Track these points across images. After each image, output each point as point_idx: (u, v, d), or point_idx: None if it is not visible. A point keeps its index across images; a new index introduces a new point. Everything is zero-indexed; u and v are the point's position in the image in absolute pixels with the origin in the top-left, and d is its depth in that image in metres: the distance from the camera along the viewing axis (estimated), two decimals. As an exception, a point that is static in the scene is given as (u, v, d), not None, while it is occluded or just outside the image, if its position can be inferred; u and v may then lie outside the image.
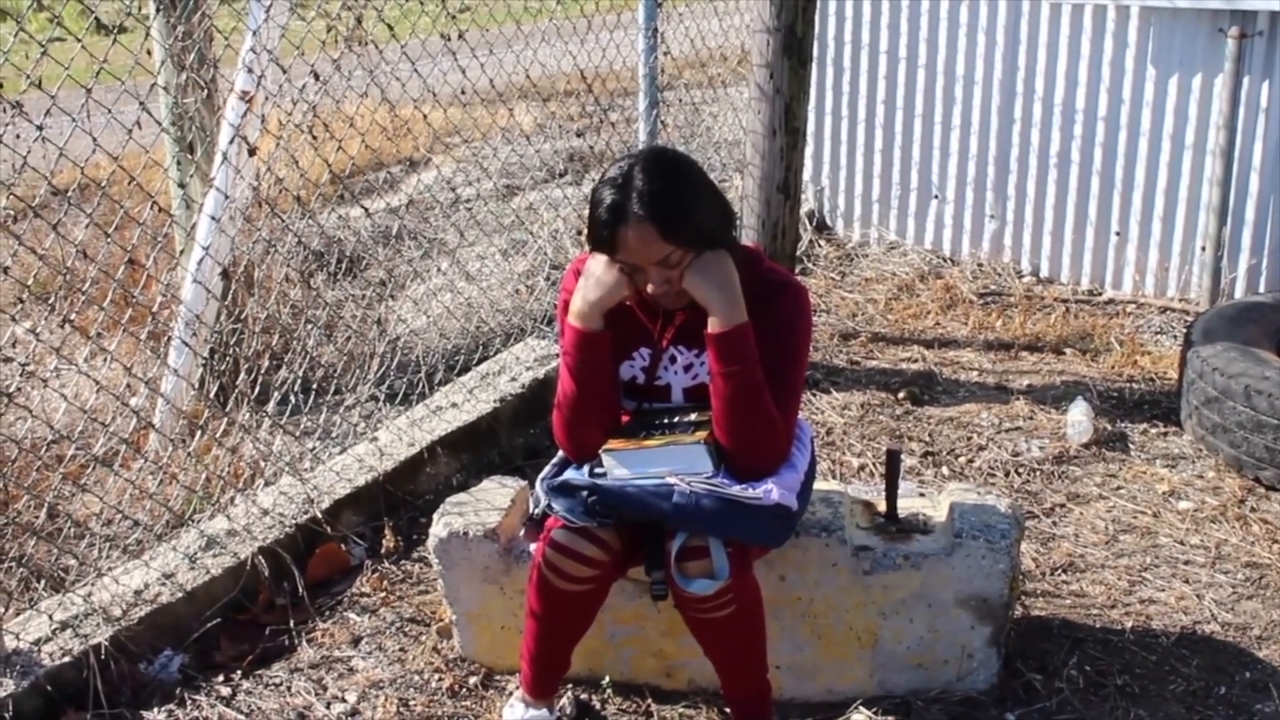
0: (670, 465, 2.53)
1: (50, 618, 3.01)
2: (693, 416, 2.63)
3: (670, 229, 2.43)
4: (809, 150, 5.82)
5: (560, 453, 2.75)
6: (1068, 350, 4.96)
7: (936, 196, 5.91)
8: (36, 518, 3.43)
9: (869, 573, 2.83)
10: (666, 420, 2.65)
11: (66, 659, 2.90)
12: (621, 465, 2.57)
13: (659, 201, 2.42)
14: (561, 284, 2.71)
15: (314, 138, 4.06)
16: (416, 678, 3.04)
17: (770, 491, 2.50)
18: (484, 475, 3.54)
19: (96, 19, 3.18)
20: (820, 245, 6.10)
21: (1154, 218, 5.32)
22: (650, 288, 2.51)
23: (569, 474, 2.63)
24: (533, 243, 5.89)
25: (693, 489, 2.48)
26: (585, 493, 2.56)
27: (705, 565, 2.45)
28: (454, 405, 4.16)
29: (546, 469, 2.73)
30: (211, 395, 3.96)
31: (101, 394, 3.58)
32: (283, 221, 4.71)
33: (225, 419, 3.82)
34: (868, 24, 5.87)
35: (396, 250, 5.98)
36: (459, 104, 5.39)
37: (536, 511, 2.69)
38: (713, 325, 2.49)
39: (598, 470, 2.59)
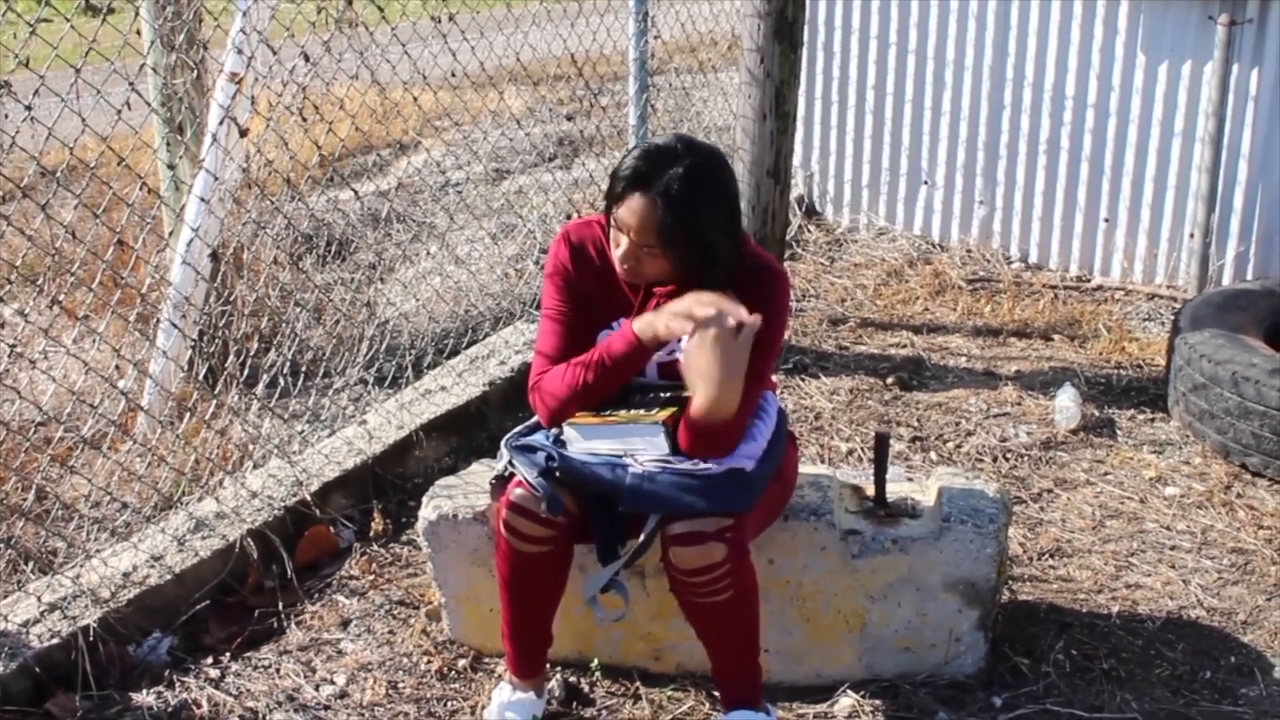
0: (628, 442, 2.55)
1: (38, 599, 3.01)
2: (665, 395, 2.64)
3: (670, 226, 2.46)
4: (799, 135, 5.81)
5: (534, 418, 2.77)
6: (1056, 336, 4.97)
7: (926, 182, 5.91)
8: (24, 499, 3.42)
9: (857, 556, 2.84)
10: (639, 397, 2.66)
11: (55, 641, 2.90)
12: (581, 438, 2.59)
13: (678, 198, 2.45)
14: (552, 251, 2.72)
15: (303, 120, 4.04)
16: (405, 660, 3.05)
17: (721, 461, 2.52)
18: (473, 458, 3.54)
19: (85, -1, 3.17)
20: (810, 230, 6.10)
21: (1143, 204, 5.33)
22: (616, 252, 2.55)
23: (535, 437, 2.67)
24: (522, 226, 5.88)
25: (645, 468, 2.50)
26: (545, 456, 2.58)
27: (702, 552, 2.45)
28: (443, 389, 4.16)
29: (516, 429, 2.74)
30: (200, 377, 3.95)
31: (90, 376, 3.57)
32: (272, 204, 4.70)
33: (214, 401, 3.81)
34: (858, 8, 5.87)
35: (386, 233, 5.97)
36: (449, 87, 5.38)
37: (501, 467, 2.69)
38: (696, 408, 2.47)
39: (561, 439, 2.63)
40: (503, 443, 2.70)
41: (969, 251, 5.78)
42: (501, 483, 2.65)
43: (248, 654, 3.09)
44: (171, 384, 3.87)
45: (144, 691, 2.91)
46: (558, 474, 2.56)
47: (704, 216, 2.48)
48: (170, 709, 2.86)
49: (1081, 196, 5.49)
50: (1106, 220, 5.46)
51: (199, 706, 2.87)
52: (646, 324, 2.51)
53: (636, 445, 2.53)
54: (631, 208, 2.48)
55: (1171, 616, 3.21)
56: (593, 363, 2.57)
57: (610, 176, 2.55)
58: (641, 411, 2.59)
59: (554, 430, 2.66)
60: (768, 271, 2.63)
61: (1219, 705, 2.88)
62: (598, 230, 2.70)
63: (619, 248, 2.54)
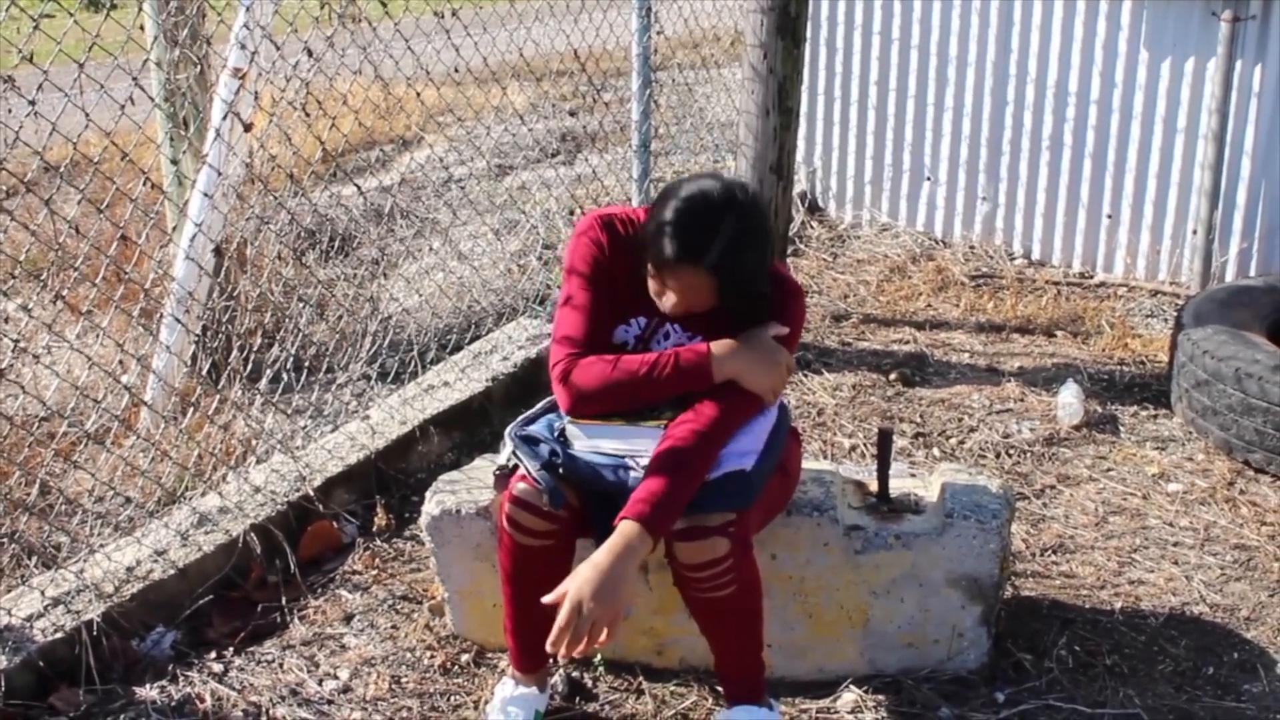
0: (629, 444, 2.55)
1: (42, 594, 3.02)
2: (666, 401, 2.63)
3: (724, 296, 2.49)
4: (801, 131, 5.80)
5: (538, 405, 2.76)
6: (1059, 333, 4.97)
7: (929, 178, 5.91)
8: (28, 494, 3.43)
9: (860, 552, 2.84)
10: None
11: (59, 635, 2.90)
12: (584, 435, 2.60)
13: (730, 268, 2.45)
14: (582, 231, 2.67)
15: (307, 115, 4.05)
16: (408, 655, 3.05)
17: (720, 464, 2.52)
18: (476, 454, 3.55)
19: (89, -7, 3.17)
20: (812, 226, 6.10)
21: (1146, 201, 5.33)
22: (663, 302, 2.54)
23: (536, 428, 2.66)
24: (525, 222, 5.88)
25: (644, 470, 2.49)
26: (549, 450, 2.58)
27: (705, 546, 2.46)
28: (446, 384, 4.16)
29: (519, 418, 2.74)
30: (204, 372, 3.95)
31: (93, 371, 3.57)
32: (275, 199, 4.70)
33: (217, 396, 3.81)
34: (861, 4, 5.86)
35: (389, 229, 5.98)
36: (452, 82, 5.38)
37: (504, 460, 2.69)
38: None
39: (563, 436, 2.63)
40: (506, 432, 2.69)
41: (972, 248, 5.78)
42: (505, 475, 2.65)
43: (251, 649, 3.09)
44: (175, 379, 3.87)
45: (147, 686, 2.92)
46: (561, 469, 2.57)
47: (752, 271, 2.50)
48: (174, 703, 2.86)
49: (1084, 193, 5.48)
50: (1109, 217, 5.46)
51: (202, 701, 2.88)
52: (725, 366, 2.54)
53: (639, 447, 2.54)
54: (684, 281, 2.47)
55: (1174, 612, 3.21)
56: (650, 363, 2.55)
57: (651, 232, 2.49)
58: (645, 413, 2.59)
59: (557, 424, 2.66)
60: (785, 284, 2.65)
61: (1221, 701, 2.88)
62: (626, 215, 2.68)
63: (662, 298, 2.53)
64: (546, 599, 2.40)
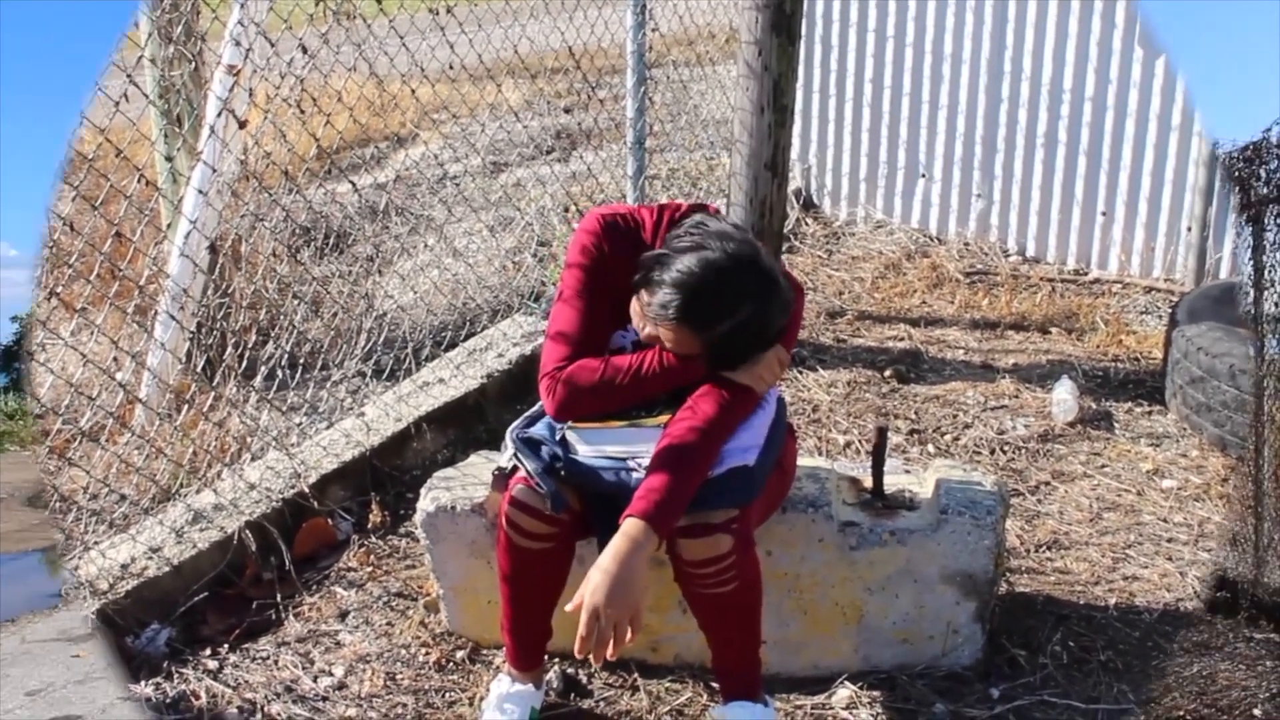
0: (630, 445, 2.55)
1: (37, 591, 3.02)
2: (662, 398, 2.63)
3: (712, 364, 2.49)
4: (796, 128, 5.81)
5: (538, 406, 2.75)
6: (1053, 329, 4.97)
7: (924, 175, 5.91)
8: (23, 491, 3.43)
9: (855, 548, 2.84)
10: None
11: (53, 632, 2.91)
12: (583, 442, 2.59)
13: (729, 347, 2.46)
14: (582, 231, 2.65)
15: (301, 112, 4.04)
16: (403, 651, 3.05)
17: (722, 460, 2.52)
18: (471, 451, 3.54)
19: (83, -10, 3.16)
20: (807, 223, 6.10)
21: (1140, 198, 5.34)
22: (640, 324, 2.52)
23: (538, 430, 2.65)
24: (520, 219, 5.88)
25: (645, 470, 2.49)
26: (550, 453, 2.58)
27: (709, 543, 2.46)
28: (441, 381, 4.16)
29: (518, 421, 2.73)
30: (198, 370, 3.95)
31: (87, 367, 3.56)
32: (270, 196, 4.70)
33: (212, 394, 3.81)
34: (856, 2, 5.87)
35: (384, 226, 5.97)
36: (447, 80, 5.37)
37: (504, 462, 2.68)
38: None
39: (564, 440, 2.62)
40: (508, 433, 2.68)
41: (966, 245, 5.78)
42: (504, 475, 2.65)
43: (246, 645, 3.09)
44: (169, 376, 3.87)
45: (142, 683, 2.91)
46: (562, 472, 2.56)
47: (749, 352, 2.50)
48: (169, 700, 2.86)
49: (1079, 190, 5.49)
50: (1104, 214, 5.46)
51: (197, 698, 2.88)
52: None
53: (640, 448, 2.53)
54: (677, 336, 2.45)
55: (1168, 608, 3.21)
56: (638, 361, 2.54)
57: (661, 275, 2.42)
58: (642, 414, 2.59)
59: (559, 427, 2.65)
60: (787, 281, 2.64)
61: (1215, 697, 2.89)
62: (629, 215, 2.66)
63: (642, 324, 2.51)
64: (568, 608, 2.40)
